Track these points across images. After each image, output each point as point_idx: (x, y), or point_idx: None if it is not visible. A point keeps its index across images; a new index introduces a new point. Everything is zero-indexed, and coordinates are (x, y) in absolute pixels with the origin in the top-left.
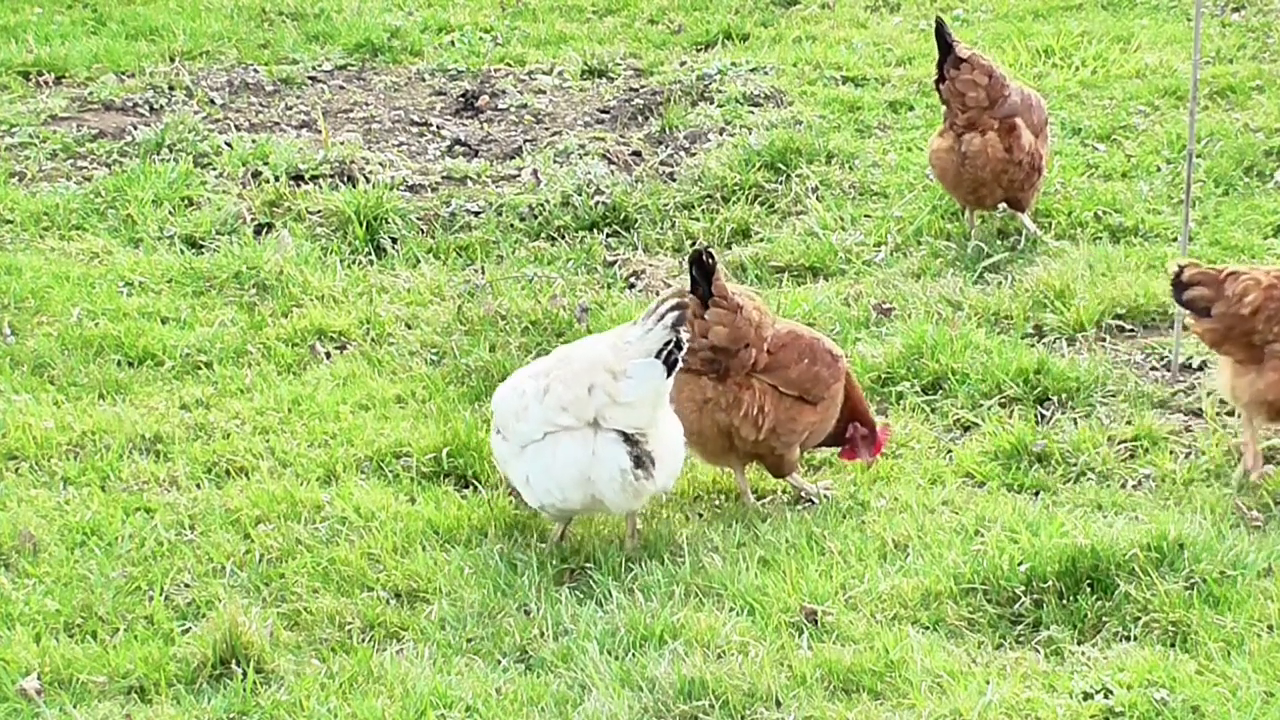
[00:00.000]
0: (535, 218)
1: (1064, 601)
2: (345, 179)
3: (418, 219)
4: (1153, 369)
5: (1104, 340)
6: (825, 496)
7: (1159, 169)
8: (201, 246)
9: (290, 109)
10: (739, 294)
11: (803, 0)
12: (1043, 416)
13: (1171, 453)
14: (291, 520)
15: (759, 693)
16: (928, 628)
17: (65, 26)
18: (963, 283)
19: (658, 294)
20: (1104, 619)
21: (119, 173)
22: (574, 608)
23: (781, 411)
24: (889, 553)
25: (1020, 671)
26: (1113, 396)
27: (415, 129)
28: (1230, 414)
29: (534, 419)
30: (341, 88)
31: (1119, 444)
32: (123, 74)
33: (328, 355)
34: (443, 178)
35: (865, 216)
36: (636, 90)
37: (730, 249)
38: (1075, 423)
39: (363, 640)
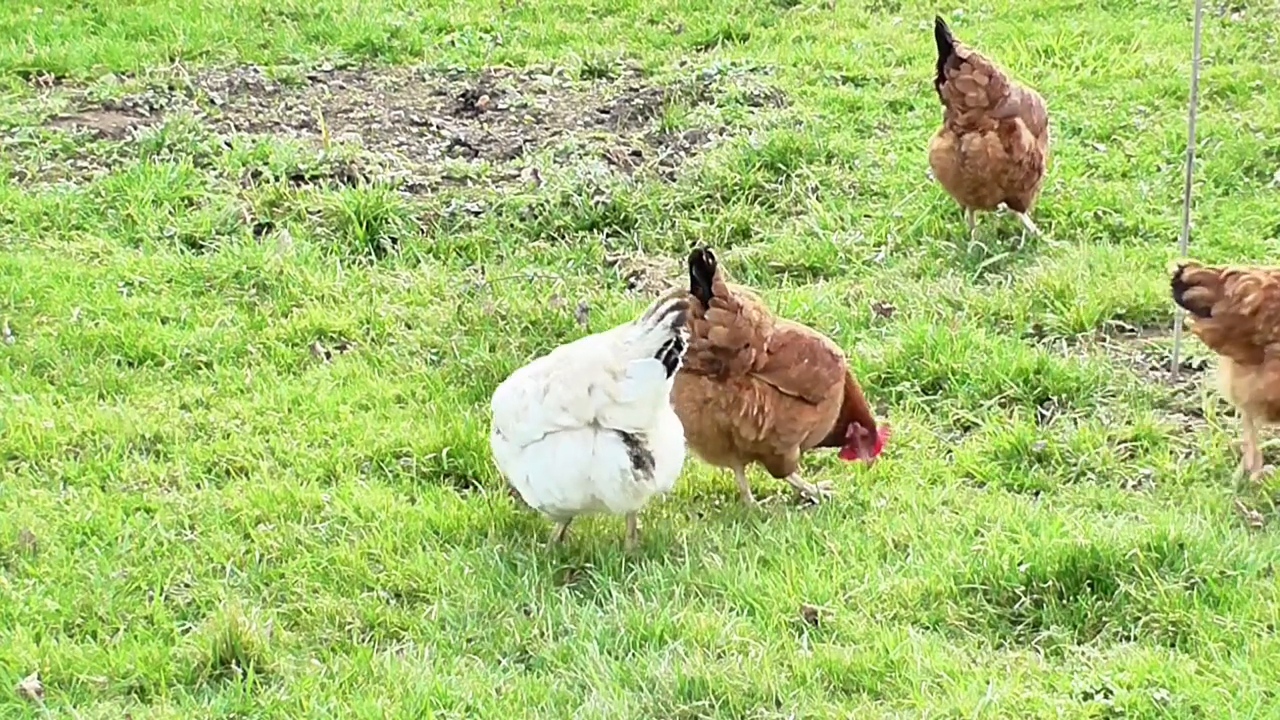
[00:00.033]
0: (535, 218)
1: (1064, 601)
2: (345, 179)
3: (418, 219)
4: (1153, 369)
5: (1104, 340)
6: (825, 496)
7: (1159, 169)
8: (201, 246)
9: (290, 109)
10: (739, 294)
11: (803, 0)
12: (1043, 416)
13: (1171, 453)
14: (291, 520)
15: (759, 693)
16: (928, 628)
17: (65, 26)
18: (963, 283)
19: (658, 294)
20: (1104, 619)
21: (119, 173)
22: (574, 608)
23: (781, 411)
24: (889, 553)
25: (1020, 671)
26: (1113, 396)
27: (415, 129)
28: (1230, 414)
29: (534, 419)
30: (341, 88)
31: (1119, 444)
32: (123, 74)
33: (328, 355)
34: (443, 178)
35: (865, 216)
36: (636, 90)
37: (730, 249)
38: (1075, 423)
39: (363, 640)
